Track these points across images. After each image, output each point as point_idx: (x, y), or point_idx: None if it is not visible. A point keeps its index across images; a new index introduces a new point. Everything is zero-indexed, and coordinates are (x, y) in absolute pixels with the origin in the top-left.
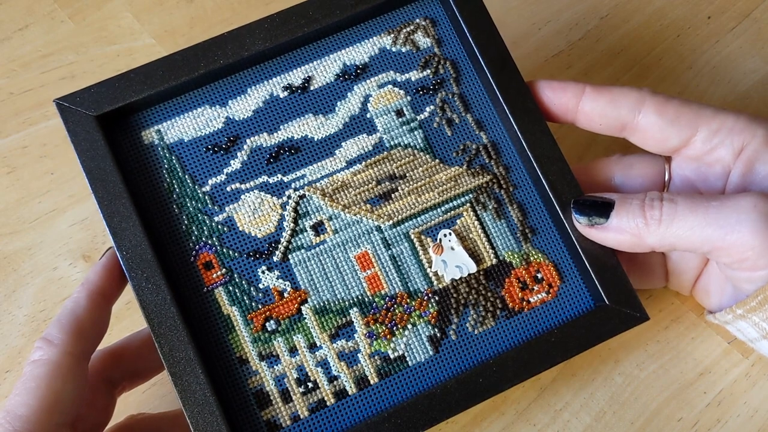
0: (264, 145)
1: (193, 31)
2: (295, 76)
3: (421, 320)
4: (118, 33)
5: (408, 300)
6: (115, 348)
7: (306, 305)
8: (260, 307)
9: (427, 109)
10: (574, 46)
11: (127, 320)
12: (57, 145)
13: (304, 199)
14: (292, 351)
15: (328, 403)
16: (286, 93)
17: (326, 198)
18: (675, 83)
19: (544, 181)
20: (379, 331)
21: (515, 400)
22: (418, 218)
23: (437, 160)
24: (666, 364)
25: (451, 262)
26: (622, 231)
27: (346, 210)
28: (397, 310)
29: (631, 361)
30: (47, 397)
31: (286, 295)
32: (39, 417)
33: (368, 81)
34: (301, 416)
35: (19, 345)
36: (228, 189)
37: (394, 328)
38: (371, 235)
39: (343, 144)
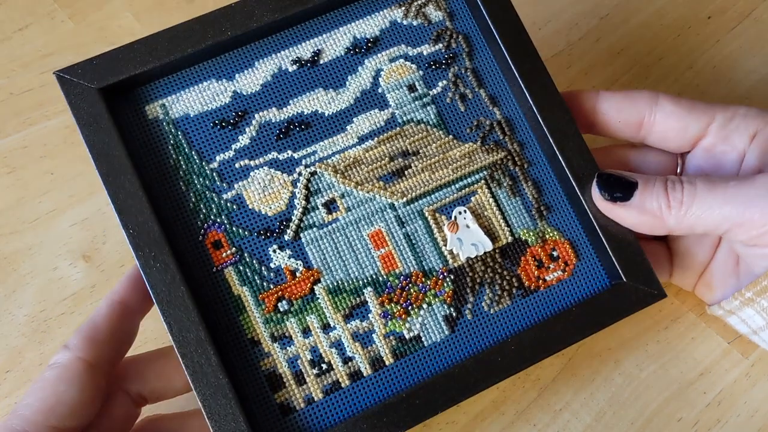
0: (273, 121)
1: None
2: (305, 50)
3: (437, 299)
4: (118, 33)
5: (423, 279)
6: (138, 359)
7: (319, 285)
8: (272, 287)
9: (440, 84)
10: (574, 45)
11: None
12: (57, 145)
13: (316, 176)
14: (306, 332)
15: (342, 385)
16: (295, 67)
17: (338, 175)
18: (675, 83)
19: (560, 157)
20: (394, 310)
21: (515, 400)
22: (433, 195)
23: (451, 136)
24: (666, 364)
25: (467, 240)
26: (644, 211)
27: (359, 187)
28: (412, 290)
29: (631, 361)
30: (47, 400)
31: (298, 274)
32: (35, 419)
33: (379, 55)
34: (315, 398)
35: (19, 345)
36: (236, 166)
37: (409, 307)
38: (385, 212)
39: (354, 119)
